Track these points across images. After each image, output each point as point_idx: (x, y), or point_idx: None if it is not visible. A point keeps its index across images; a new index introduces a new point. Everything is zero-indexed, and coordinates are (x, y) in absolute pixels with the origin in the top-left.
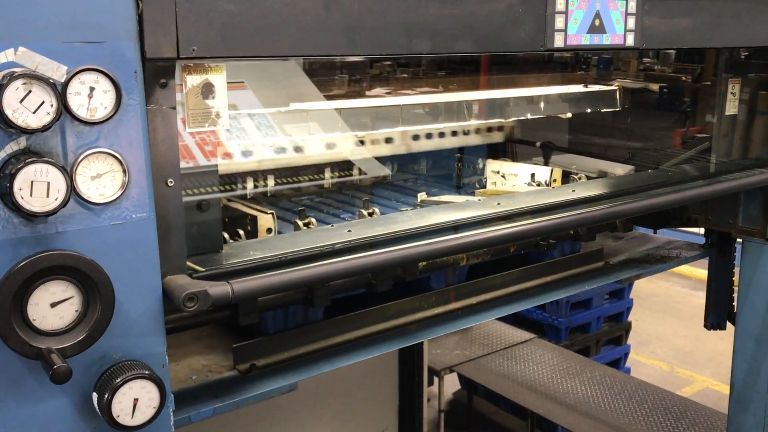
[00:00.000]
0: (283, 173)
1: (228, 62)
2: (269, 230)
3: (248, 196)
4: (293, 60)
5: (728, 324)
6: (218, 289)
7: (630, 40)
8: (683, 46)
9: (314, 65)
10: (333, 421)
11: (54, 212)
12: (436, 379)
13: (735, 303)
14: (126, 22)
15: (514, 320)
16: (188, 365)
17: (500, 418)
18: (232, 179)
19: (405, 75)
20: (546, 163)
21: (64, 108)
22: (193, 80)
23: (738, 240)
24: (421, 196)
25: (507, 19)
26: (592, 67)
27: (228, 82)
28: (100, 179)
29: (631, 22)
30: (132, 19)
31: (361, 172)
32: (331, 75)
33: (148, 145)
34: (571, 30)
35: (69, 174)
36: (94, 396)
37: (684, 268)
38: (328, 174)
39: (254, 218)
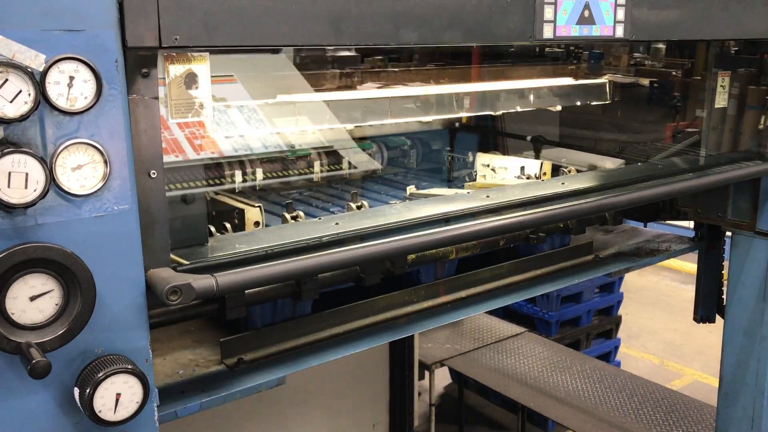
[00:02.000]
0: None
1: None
2: (257, 224)
3: (236, 190)
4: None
5: (717, 317)
6: (202, 282)
7: (619, 32)
8: (673, 38)
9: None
10: (323, 415)
11: (33, 204)
12: (427, 373)
13: (724, 296)
14: (106, 9)
15: (505, 314)
16: (175, 360)
17: (491, 412)
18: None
19: (396, 69)
20: (536, 157)
21: (42, 97)
22: (176, 70)
23: (727, 233)
24: (411, 189)
25: (495, 10)
26: (583, 62)
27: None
28: (81, 170)
29: (621, 14)
30: (112, 6)
31: (350, 165)
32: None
33: (129, 135)
34: (560, 21)
35: (48, 165)
36: (76, 391)
37: (674, 262)
38: (317, 167)
39: (241, 211)
